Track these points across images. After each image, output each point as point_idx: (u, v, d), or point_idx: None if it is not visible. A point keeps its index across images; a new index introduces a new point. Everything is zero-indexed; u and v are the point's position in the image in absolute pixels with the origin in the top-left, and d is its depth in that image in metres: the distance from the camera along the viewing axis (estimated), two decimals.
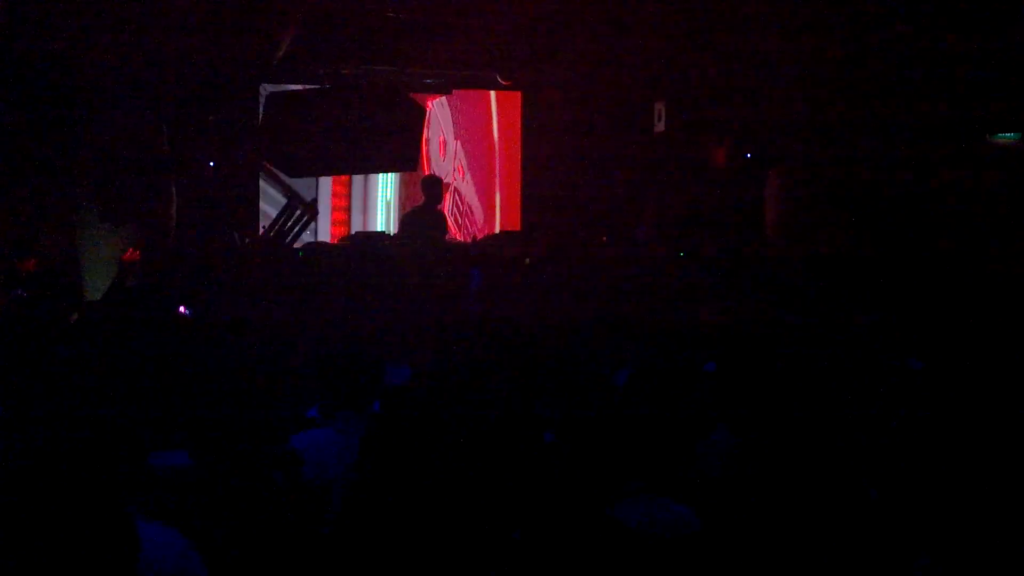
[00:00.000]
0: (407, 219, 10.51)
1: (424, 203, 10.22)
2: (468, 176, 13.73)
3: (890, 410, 3.77)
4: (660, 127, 12.05)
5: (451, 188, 13.43)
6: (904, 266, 9.70)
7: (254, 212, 12.03)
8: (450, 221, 12.37)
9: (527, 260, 10.06)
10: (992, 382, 4.19)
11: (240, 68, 10.29)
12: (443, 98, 13.01)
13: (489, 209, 13.79)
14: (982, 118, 10.73)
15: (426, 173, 12.06)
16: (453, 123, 13.51)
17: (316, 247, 10.70)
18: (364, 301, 7.32)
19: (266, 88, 11.24)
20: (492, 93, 13.34)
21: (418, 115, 10.32)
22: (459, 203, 13.69)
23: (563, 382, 4.34)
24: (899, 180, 11.13)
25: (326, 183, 12.77)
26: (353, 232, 11.80)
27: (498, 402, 4.15)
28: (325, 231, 12.55)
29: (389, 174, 12.79)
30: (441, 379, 4.64)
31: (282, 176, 11.49)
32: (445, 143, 13.47)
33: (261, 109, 10.97)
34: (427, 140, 12.47)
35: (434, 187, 10.31)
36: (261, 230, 11.30)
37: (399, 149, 10.14)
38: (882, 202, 11.12)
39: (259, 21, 9.60)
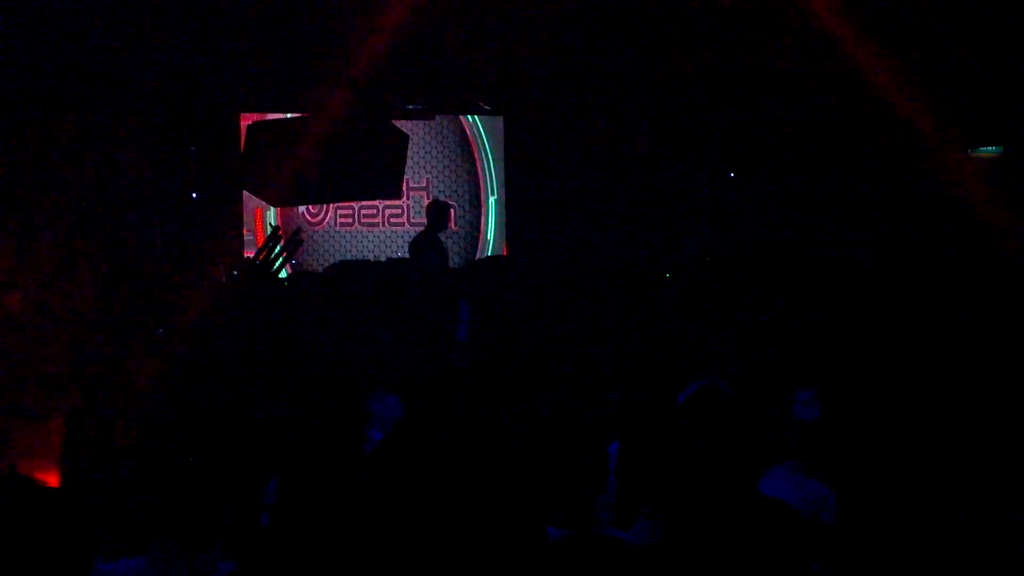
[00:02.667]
0: (411, 245, 10.63)
1: (427, 229, 10.42)
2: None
3: None
4: (643, 147, 12.04)
5: None
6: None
7: (238, 242, 11.96)
8: None
9: None
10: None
11: (220, 97, 10.27)
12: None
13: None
14: (964, 132, 10.76)
15: None
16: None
17: (302, 276, 10.64)
18: (350, 331, 7.28)
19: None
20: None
21: (401, 142, 10.28)
22: None
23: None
24: (883, 195, 11.15)
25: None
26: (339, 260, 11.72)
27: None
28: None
29: None
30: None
31: None
32: None
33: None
34: None
35: (438, 212, 10.41)
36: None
37: (381, 176, 10.09)
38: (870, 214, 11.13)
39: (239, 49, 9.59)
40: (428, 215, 10.76)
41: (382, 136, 10.12)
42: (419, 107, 12.00)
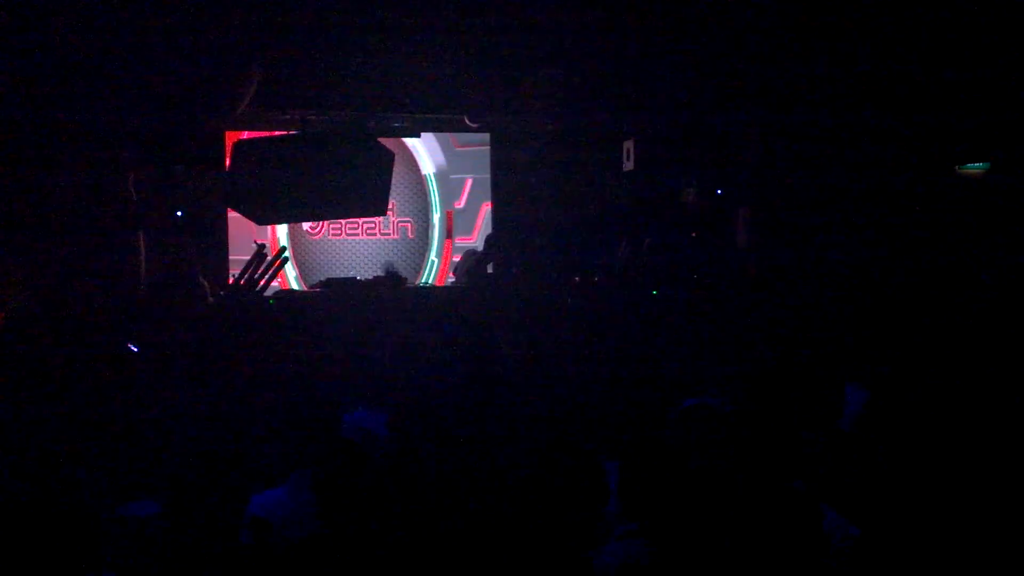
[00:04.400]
0: (471, 265, 11.53)
1: (484, 256, 11.55)
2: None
3: None
4: (629, 165, 12.05)
5: None
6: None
7: (223, 261, 11.93)
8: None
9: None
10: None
11: (206, 116, 10.22)
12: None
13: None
14: (950, 149, 10.80)
15: None
16: None
17: (288, 295, 10.59)
18: (336, 349, 7.21)
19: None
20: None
21: (387, 160, 10.24)
22: None
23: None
24: (870, 209, 11.17)
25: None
26: (325, 279, 11.69)
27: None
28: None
29: None
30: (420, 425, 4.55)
31: None
32: None
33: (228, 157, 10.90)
34: None
35: (495, 244, 11.61)
36: (231, 279, 11.16)
37: (368, 194, 10.05)
38: (858, 230, 11.16)
39: (224, 68, 9.53)
40: (486, 244, 11.96)
41: (368, 154, 10.08)
42: (405, 125, 12.01)
